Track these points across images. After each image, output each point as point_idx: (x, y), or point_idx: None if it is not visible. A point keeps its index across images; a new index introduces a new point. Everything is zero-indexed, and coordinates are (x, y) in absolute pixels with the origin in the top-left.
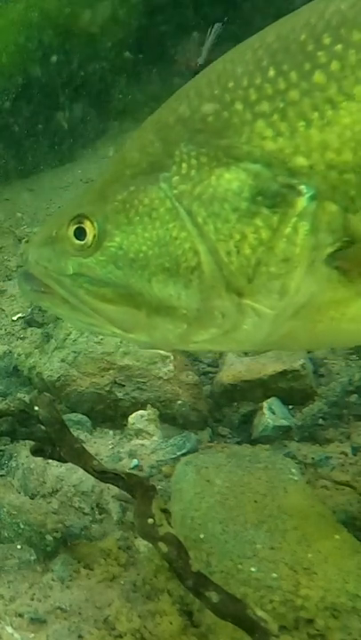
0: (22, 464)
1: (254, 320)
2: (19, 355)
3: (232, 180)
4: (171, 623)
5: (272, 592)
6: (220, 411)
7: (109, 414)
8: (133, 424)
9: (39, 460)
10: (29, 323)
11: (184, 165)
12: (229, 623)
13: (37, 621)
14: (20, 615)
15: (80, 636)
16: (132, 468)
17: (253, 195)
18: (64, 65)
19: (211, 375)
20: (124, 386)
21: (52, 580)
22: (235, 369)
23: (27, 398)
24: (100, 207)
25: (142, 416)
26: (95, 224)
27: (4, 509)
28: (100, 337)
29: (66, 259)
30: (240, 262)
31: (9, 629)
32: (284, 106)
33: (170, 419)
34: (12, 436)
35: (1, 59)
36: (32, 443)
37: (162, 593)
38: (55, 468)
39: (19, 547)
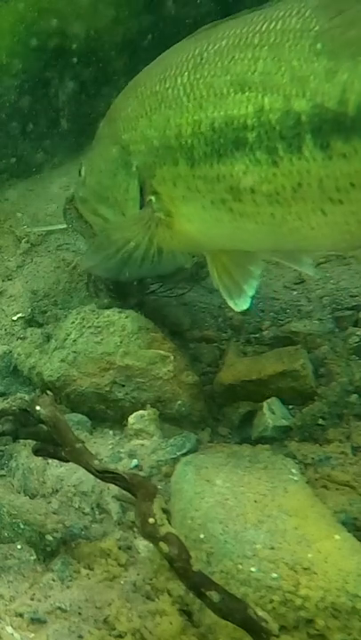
0: (22, 464)
1: None
2: (19, 355)
3: None
4: (171, 623)
5: (272, 592)
6: (220, 411)
7: (109, 414)
8: (133, 424)
9: (39, 460)
10: (29, 323)
11: None
12: (229, 623)
13: (37, 621)
14: (20, 615)
15: (80, 636)
16: (132, 468)
17: None
18: (64, 65)
19: (211, 375)
20: (124, 386)
21: (52, 580)
22: (235, 369)
23: (28, 397)
24: None
25: (142, 416)
26: None
27: (4, 509)
28: (101, 337)
29: None
30: None
31: (9, 629)
32: None
33: (170, 419)
34: (14, 436)
35: (1, 59)
36: (33, 442)
37: (162, 593)
38: (55, 468)
39: (19, 547)
